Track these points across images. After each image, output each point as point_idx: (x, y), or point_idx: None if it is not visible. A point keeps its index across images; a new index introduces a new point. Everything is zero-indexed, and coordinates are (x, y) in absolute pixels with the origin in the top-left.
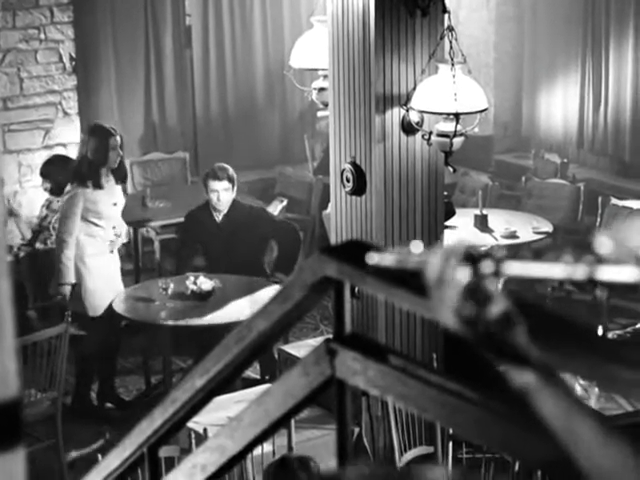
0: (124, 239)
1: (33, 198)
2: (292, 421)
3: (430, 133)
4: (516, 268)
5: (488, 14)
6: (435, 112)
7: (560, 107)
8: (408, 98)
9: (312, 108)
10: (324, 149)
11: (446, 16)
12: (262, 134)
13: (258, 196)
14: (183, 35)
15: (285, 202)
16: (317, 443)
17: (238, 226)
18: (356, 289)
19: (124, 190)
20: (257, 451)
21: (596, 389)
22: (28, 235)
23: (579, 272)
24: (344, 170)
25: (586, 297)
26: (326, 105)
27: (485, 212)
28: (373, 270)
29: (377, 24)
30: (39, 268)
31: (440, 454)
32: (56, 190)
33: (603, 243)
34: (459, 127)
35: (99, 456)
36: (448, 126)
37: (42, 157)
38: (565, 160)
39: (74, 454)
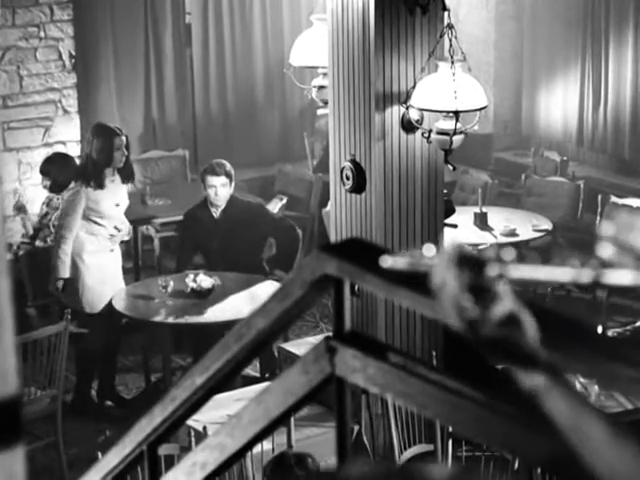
0: (125, 236)
1: (33, 196)
2: (292, 419)
3: (430, 131)
4: (522, 271)
5: (488, 12)
6: (435, 110)
7: (560, 105)
8: (408, 96)
9: (312, 106)
10: (324, 147)
11: (446, 14)
12: (262, 132)
13: (258, 194)
14: (183, 33)
15: (285, 200)
16: (317, 441)
17: (236, 222)
18: (356, 287)
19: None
20: (257, 449)
21: (596, 387)
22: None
23: (584, 276)
24: (344, 168)
25: (586, 295)
26: (326, 103)
27: (485, 210)
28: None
29: (377, 22)
30: (39, 266)
31: (440, 452)
32: (56, 188)
33: (606, 247)
34: (459, 125)
35: (99, 454)
36: (448, 124)
37: (42, 155)
38: (565, 158)
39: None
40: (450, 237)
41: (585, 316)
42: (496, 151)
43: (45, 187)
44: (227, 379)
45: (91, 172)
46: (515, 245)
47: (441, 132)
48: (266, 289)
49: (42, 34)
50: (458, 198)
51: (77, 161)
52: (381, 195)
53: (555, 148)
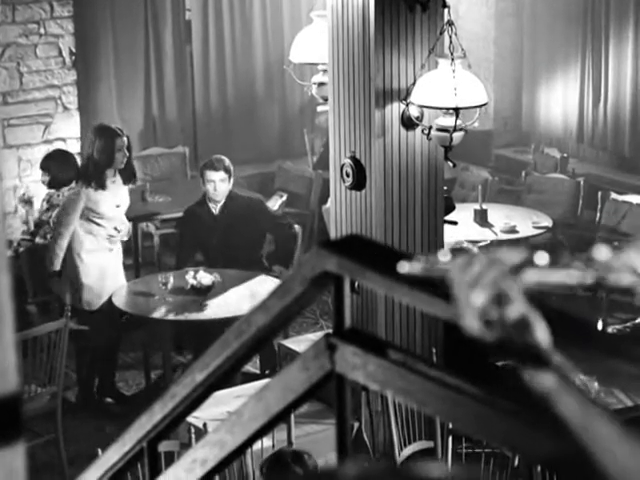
0: (125, 237)
1: (33, 193)
2: (292, 416)
3: (430, 128)
4: (534, 275)
5: (488, 9)
6: (435, 107)
7: (560, 102)
8: (408, 93)
9: (312, 103)
10: (324, 144)
11: (446, 11)
12: (262, 128)
13: (257, 190)
14: (183, 30)
15: (285, 197)
16: (317, 438)
17: (236, 218)
18: (356, 284)
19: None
20: (257, 446)
21: (596, 384)
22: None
23: (589, 278)
24: (344, 165)
25: (586, 292)
26: (326, 100)
27: (485, 207)
28: (373, 265)
29: (377, 19)
30: (39, 263)
31: (440, 449)
32: (55, 184)
33: (602, 249)
34: (459, 122)
35: (99, 451)
36: (448, 121)
37: (42, 152)
38: (565, 155)
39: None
40: (450, 234)
41: (585, 313)
42: (496, 148)
43: (44, 183)
44: (227, 376)
45: (92, 173)
46: (515, 242)
47: (441, 129)
48: (266, 286)
49: (42, 31)
50: (458, 195)
51: (77, 158)
52: (381, 192)
53: (555, 145)
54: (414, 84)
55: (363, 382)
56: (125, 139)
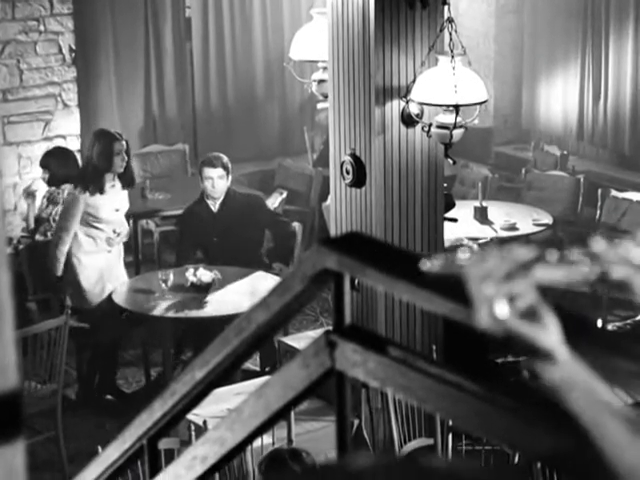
0: (124, 238)
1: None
2: (292, 413)
3: (430, 125)
4: (544, 271)
5: (488, 6)
6: (435, 104)
7: (560, 99)
8: (408, 90)
9: (312, 100)
10: (324, 141)
11: (446, 8)
12: (262, 126)
13: (257, 188)
14: (183, 27)
15: (285, 194)
16: (317, 435)
17: (235, 215)
18: (356, 281)
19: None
20: (257, 443)
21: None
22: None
23: (594, 273)
24: (344, 162)
25: (588, 289)
26: (326, 97)
27: (485, 204)
28: (373, 262)
29: (377, 16)
30: (39, 260)
31: (440, 446)
32: (55, 181)
33: (600, 241)
34: (459, 119)
35: (99, 448)
36: (448, 118)
37: (42, 149)
38: (565, 152)
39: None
40: (450, 231)
41: (585, 310)
42: (496, 145)
43: (44, 180)
44: (227, 373)
45: (91, 177)
46: (515, 239)
47: (441, 126)
48: (266, 283)
49: (42, 28)
50: (458, 192)
51: (77, 155)
52: (381, 189)
53: (555, 142)
54: (414, 81)
55: (363, 379)
56: (124, 143)
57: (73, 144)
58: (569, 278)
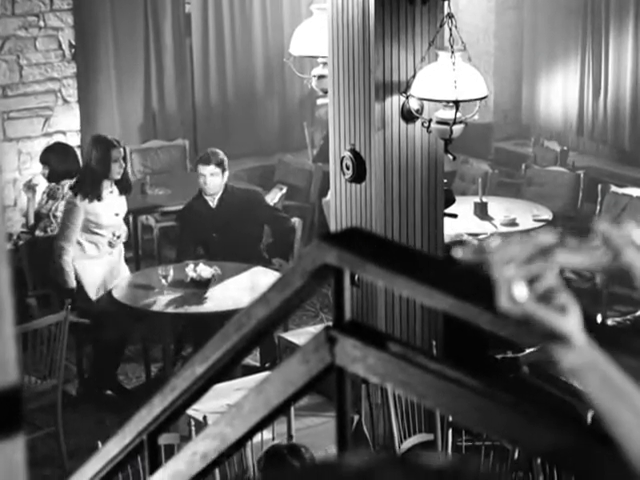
0: (123, 239)
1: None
2: (292, 408)
3: (430, 121)
4: (564, 257)
5: (488, 2)
6: (435, 99)
7: (560, 95)
8: (408, 86)
9: (312, 96)
10: (324, 136)
11: (446, 3)
12: (262, 122)
13: (257, 183)
14: (183, 22)
15: (285, 190)
16: (317, 430)
17: (234, 210)
18: (356, 277)
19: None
20: (257, 438)
21: None
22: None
23: (608, 259)
24: (344, 157)
25: (585, 285)
26: (326, 92)
27: (485, 200)
28: (373, 258)
29: (377, 11)
30: (39, 255)
31: (440, 442)
32: (54, 177)
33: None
34: (459, 115)
35: (99, 443)
36: (448, 114)
37: (42, 145)
38: (565, 148)
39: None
40: (450, 227)
41: (585, 305)
42: (496, 141)
43: (44, 175)
44: (227, 369)
45: (89, 183)
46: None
47: (441, 122)
48: (266, 278)
49: (42, 23)
50: (458, 188)
51: (77, 151)
52: (381, 185)
53: (555, 138)
54: (414, 77)
55: (363, 375)
56: (122, 150)
57: (73, 140)
58: (589, 263)
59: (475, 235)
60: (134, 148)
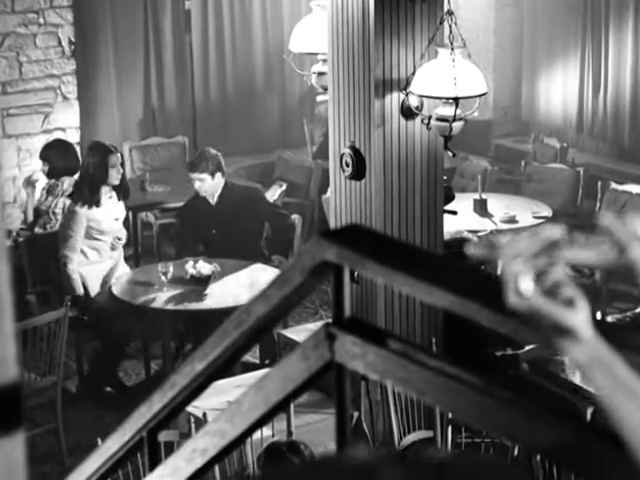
0: (124, 241)
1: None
2: (291, 405)
3: (429, 117)
4: (571, 252)
5: None
6: (434, 96)
7: (560, 91)
8: (407, 82)
9: (311, 92)
10: (323, 133)
11: (445, 0)
12: (261, 118)
13: (257, 180)
14: (182, 19)
15: (284, 187)
16: (316, 427)
17: (234, 207)
18: (355, 273)
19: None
20: (256, 435)
21: None
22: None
23: (614, 254)
24: (343, 154)
25: (585, 281)
26: (325, 89)
27: (484, 196)
28: (373, 255)
29: (377, 8)
30: (38, 252)
31: (439, 438)
32: (54, 174)
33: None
34: (458, 111)
35: (99, 440)
36: (447, 110)
37: (41, 141)
38: (565, 144)
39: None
40: (450, 224)
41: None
42: (496, 138)
43: (43, 172)
44: (227, 365)
45: (88, 190)
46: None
47: (441, 118)
48: (265, 275)
49: (41, 20)
50: (458, 185)
51: (77, 148)
52: (381, 182)
53: (555, 135)
54: (414, 74)
55: (363, 372)
56: (119, 156)
57: (73, 137)
58: (596, 258)
59: (475, 232)
60: (134, 145)
